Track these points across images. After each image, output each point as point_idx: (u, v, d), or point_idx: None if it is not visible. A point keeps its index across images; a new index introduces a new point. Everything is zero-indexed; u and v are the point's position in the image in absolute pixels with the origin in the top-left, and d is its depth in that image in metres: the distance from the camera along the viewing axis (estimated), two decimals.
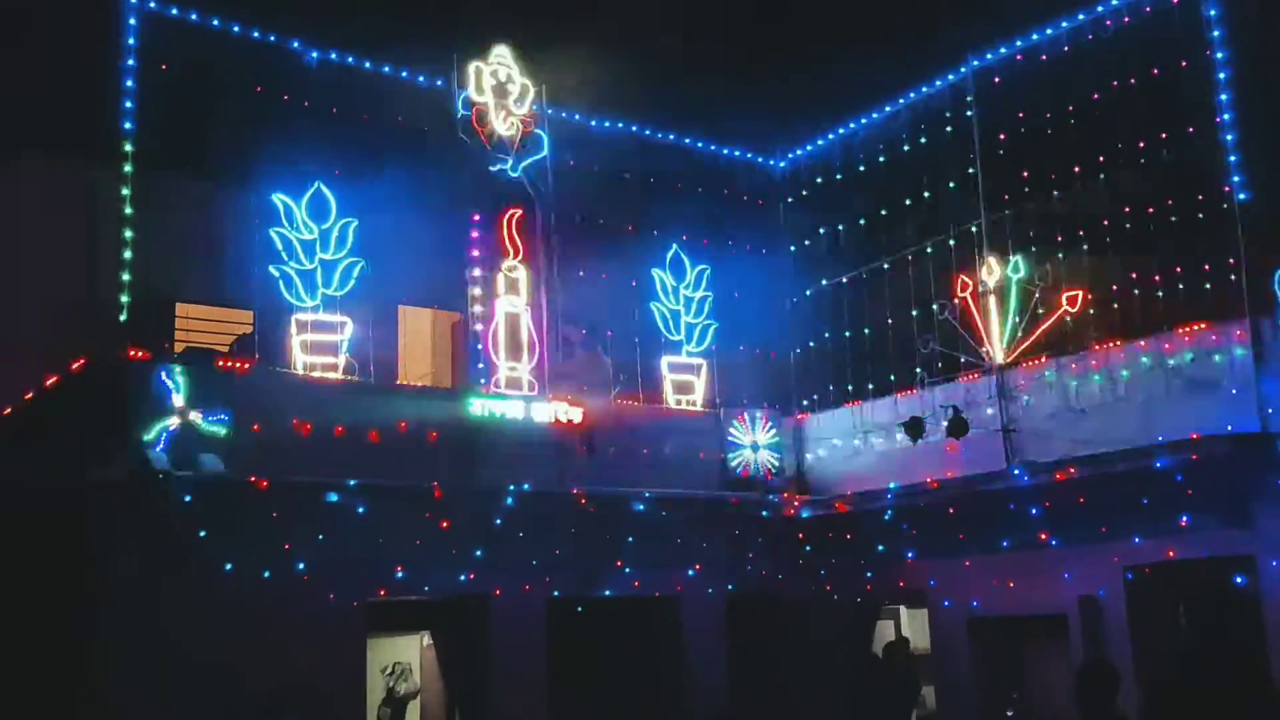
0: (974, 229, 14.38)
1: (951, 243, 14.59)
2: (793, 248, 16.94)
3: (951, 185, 14.69)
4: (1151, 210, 12.67)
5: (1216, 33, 12.20)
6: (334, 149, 13.11)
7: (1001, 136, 14.20)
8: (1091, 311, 13.24)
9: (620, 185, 15.49)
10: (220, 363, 12.02)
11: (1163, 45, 12.56)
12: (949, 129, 14.79)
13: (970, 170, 14.45)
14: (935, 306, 14.40)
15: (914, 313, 14.92)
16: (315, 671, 11.51)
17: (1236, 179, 11.90)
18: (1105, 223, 13.13)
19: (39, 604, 11.33)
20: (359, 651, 12.33)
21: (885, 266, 15.46)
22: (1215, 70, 12.20)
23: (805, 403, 16.41)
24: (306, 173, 12.75)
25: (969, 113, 14.56)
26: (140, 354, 11.42)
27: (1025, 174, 13.94)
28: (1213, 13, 12.24)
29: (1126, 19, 13.07)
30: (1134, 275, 12.79)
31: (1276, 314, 11.42)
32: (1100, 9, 13.29)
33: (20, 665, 11.26)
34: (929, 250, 14.92)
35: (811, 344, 16.44)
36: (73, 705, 10.83)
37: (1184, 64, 12.37)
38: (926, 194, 15.00)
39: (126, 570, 10.92)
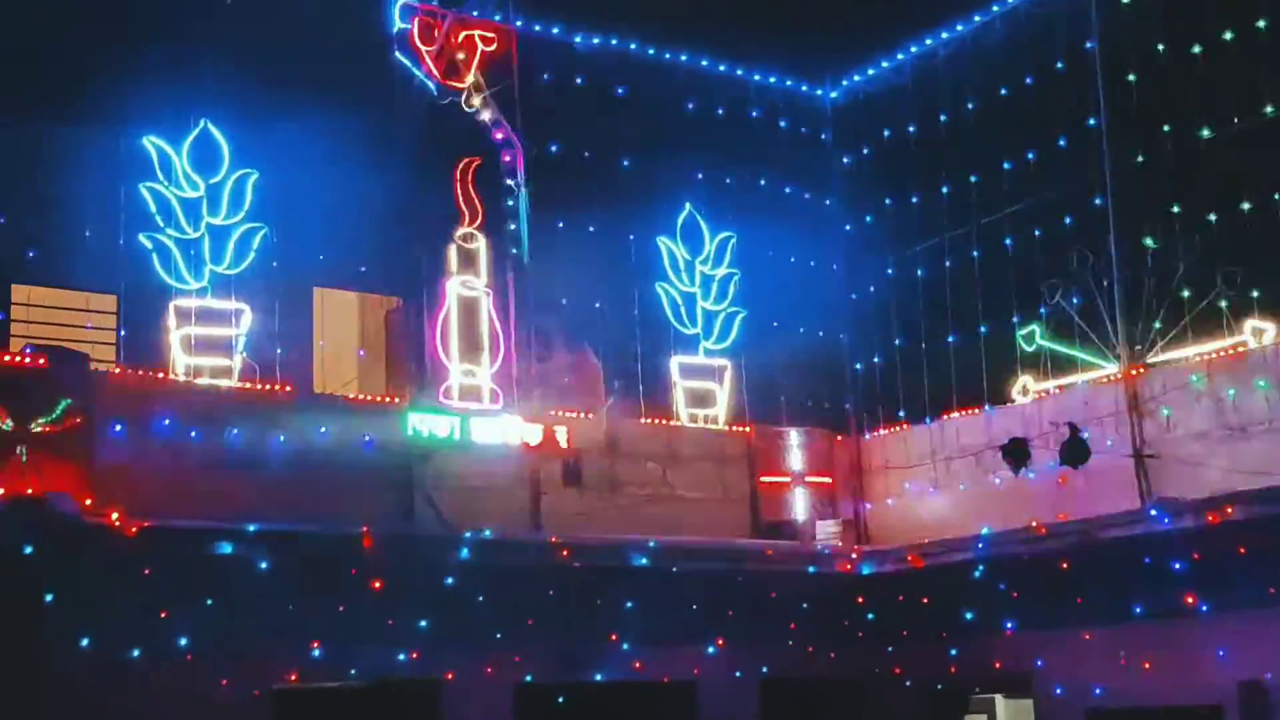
0: (1096, 186, 14.43)
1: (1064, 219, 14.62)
2: (851, 205, 16.98)
3: (1064, 128, 14.74)
4: None
5: None
6: (227, 78, 13.07)
7: (1133, 66, 14.24)
8: (1255, 294, 13.27)
9: (616, 125, 15.49)
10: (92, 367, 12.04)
11: None
12: (1062, 50, 14.84)
13: (1091, 94, 14.50)
14: (1044, 289, 14.42)
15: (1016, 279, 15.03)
16: None
17: None
18: (1274, 179, 13.13)
19: None
20: None
21: (970, 227, 15.56)
22: None
23: (866, 418, 16.49)
24: (189, 109, 12.83)
25: (1091, 26, 14.59)
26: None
27: (1165, 114, 13.98)
28: None
29: None
30: None
31: None
32: None
33: None
34: (1035, 213, 15.01)
35: (875, 338, 16.54)
36: None
37: None
38: (1032, 127, 15.07)
39: None
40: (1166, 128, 14.05)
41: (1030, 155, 15.10)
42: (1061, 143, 14.79)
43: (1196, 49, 13.72)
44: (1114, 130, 14.40)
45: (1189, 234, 13.74)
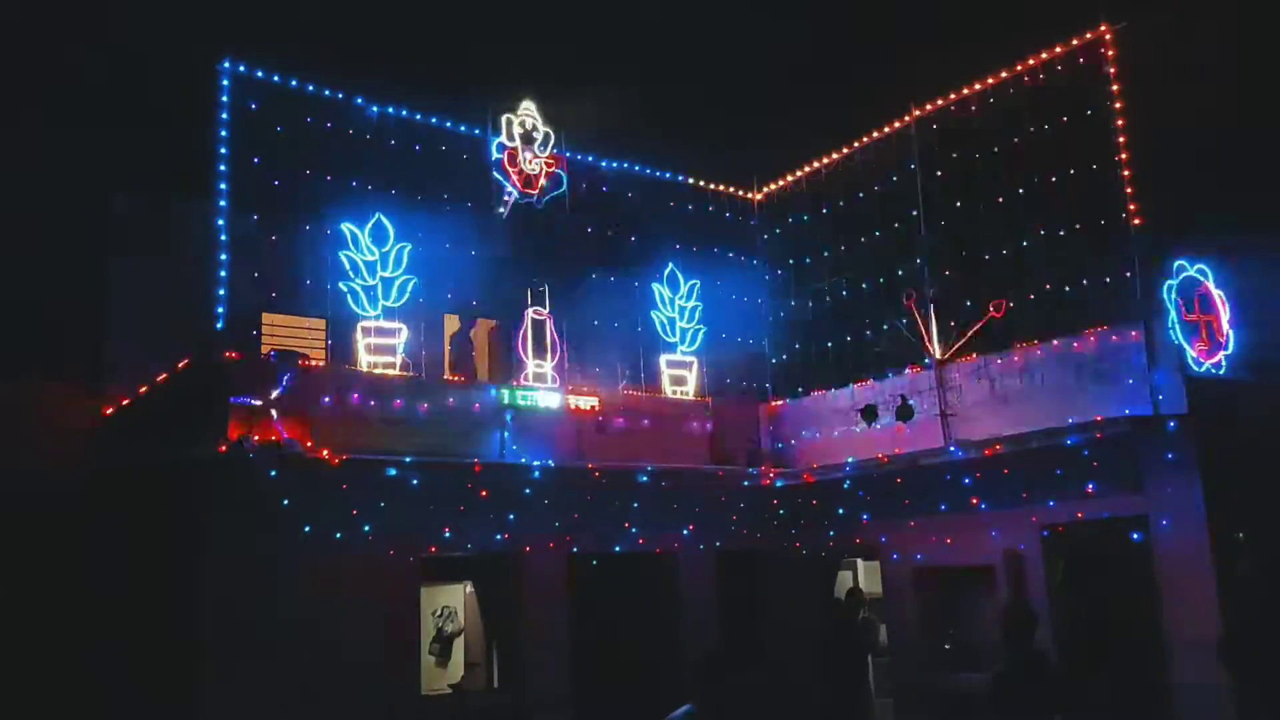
0: (917, 248, 14.39)
1: (897, 276, 14.64)
2: (768, 264, 16.94)
3: (899, 214, 14.69)
4: (1063, 232, 12.73)
5: (1115, 86, 12.26)
6: (393, 186, 13.12)
7: (939, 173, 14.24)
8: (1012, 316, 13.29)
9: (625, 213, 15.48)
10: (303, 363, 12.09)
11: (1069, 96, 12.60)
12: (896, 167, 14.79)
13: (916, 199, 14.45)
14: (884, 329, 14.45)
15: (867, 309, 14.99)
16: (380, 613, 11.64)
17: (1131, 206, 11.93)
18: (1024, 244, 13.14)
19: (153, 559, 11.47)
20: (414, 597, 12.43)
21: (845, 279, 15.46)
22: (1113, 116, 12.22)
23: (780, 391, 16.44)
24: (370, 206, 12.81)
25: (913, 155, 14.58)
26: (236, 355, 11.54)
27: (958, 202, 13.95)
28: (1111, 70, 12.30)
29: (1042, 76, 13.15)
30: (1047, 286, 12.84)
31: (1165, 318, 11.50)
32: (1019, 67, 13.40)
33: (135, 610, 11.39)
34: (880, 267, 14.94)
35: (786, 343, 16.45)
36: (182, 647, 10.96)
37: (1088, 111, 12.41)
38: (879, 216, 14.95)
39: (225, 530, 11.05)
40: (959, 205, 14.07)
41: (878, 233, 14.99)
42: (900, 216, 14.69)
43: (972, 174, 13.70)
44: (928, 210, 14.33)
45: (973, 279, 13.73)
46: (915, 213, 14.42)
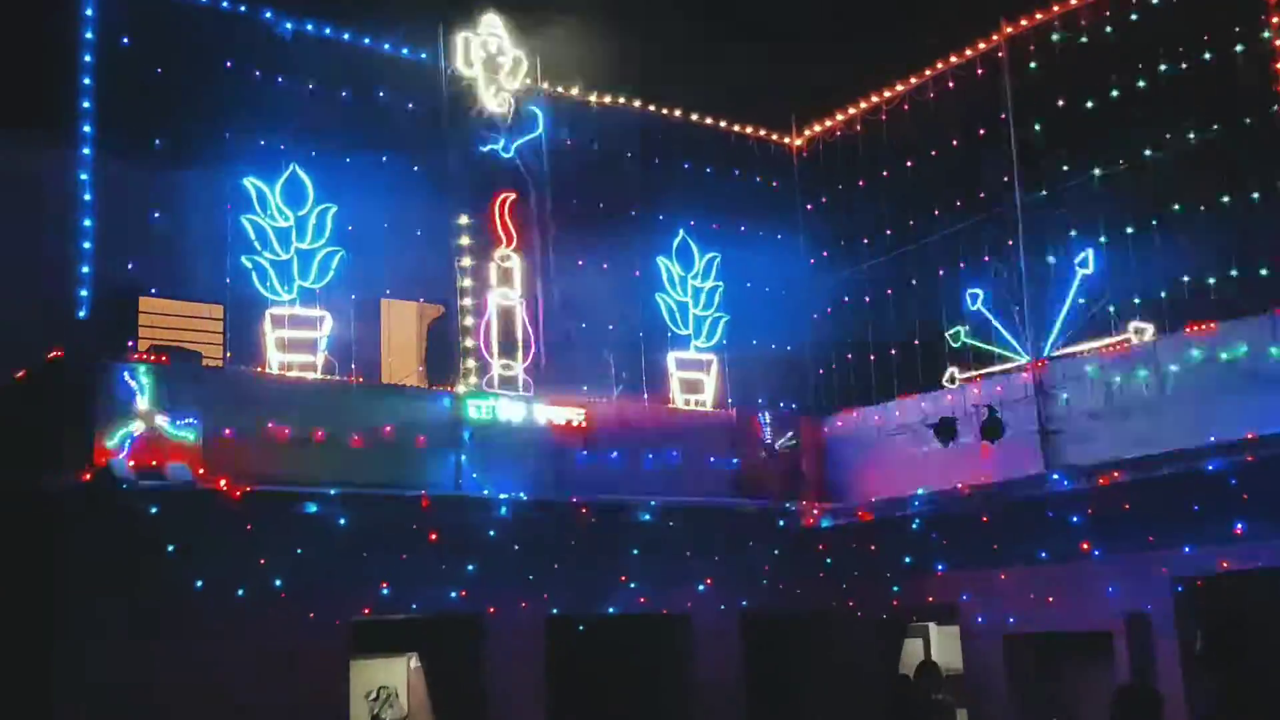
0: (1008, 210, 14.31)
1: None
2: (812, 234, 16.87)
3: (984, 164, 14.63)
4: (1203, 193, 12.66)
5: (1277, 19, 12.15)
6: (310, 129, 13.04)
7: (1039, 112, 14.15)
8: (1137, 300, 13.20)
9: (622, 167, 15.46)
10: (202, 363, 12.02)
11: (1217, 21, 12.52)
12: (981, 103, 14.69)
13: (1004, 148, 14.37)
14: (970, 293, 14.33)
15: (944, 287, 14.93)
16: (293, 697, 11.52)
17: None
18: (1152, 208, 13.08)
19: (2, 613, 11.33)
20: (341, 675, 12.30)
21: (910, 246, 15.43)
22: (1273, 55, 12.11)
23: (826, 403, 16.38)
24: (280, 155, 12.69)
25: (1004, 85, 14.47)
26: (114, 354, 11.38)
27: (1064, 152, 13.88)
28: None
29: None
30: (1187, 262, 12.73)
31: None
32: None
33: None
34: (960, 233, 14.88)
35: (832, 338, 16.41)
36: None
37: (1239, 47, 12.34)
38: (957, 173, 14.92)
39: (84, 587, 10.86)
40: (1065, 167, 13.97)
41: (958, 178, 14.92)
42: (983, 170, 14.67)
43: (1089, 104, 13.66)
44: (1022, 162, 14.26)
45: (1082, 250, 13.67)
46: (1008, 164, 14.30)
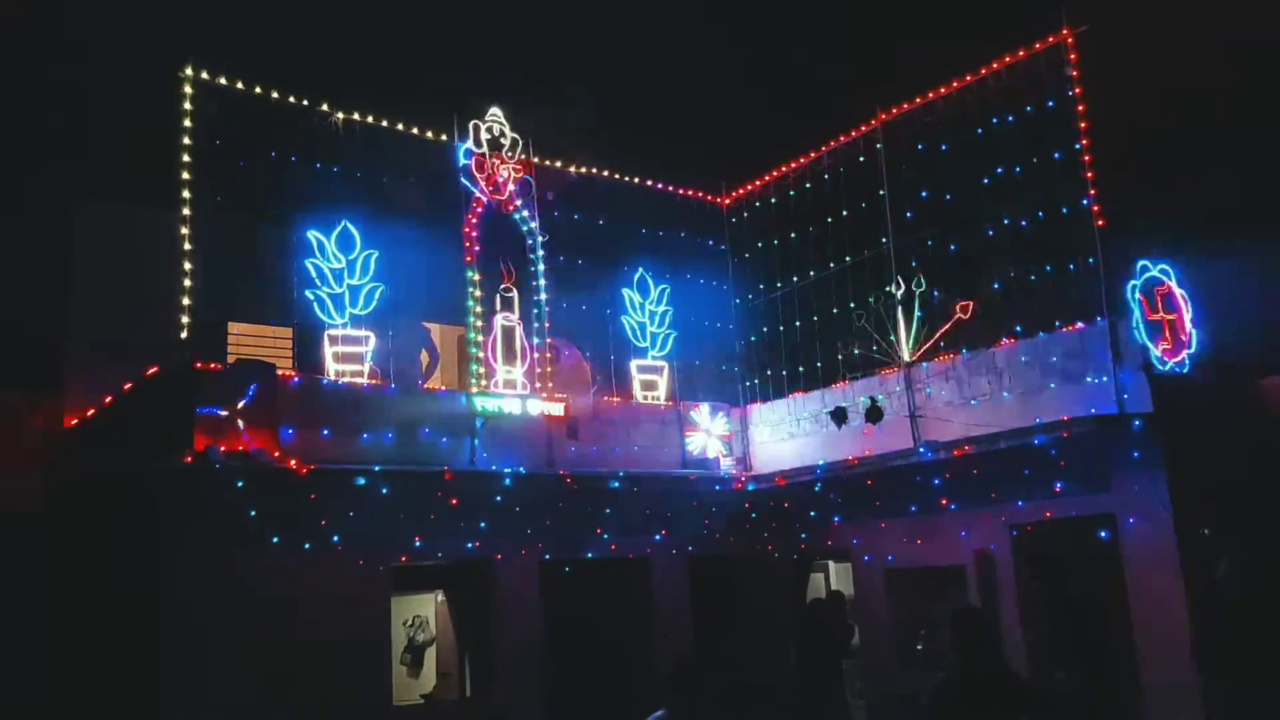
0: (883, 251, 14.29)
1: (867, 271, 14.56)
2: (736, 269, 16.87)
3: (864, 213, 14.60)
4: (1024, 223, 12.65)
5: (1076, 89, 12.24)
6: (357, 193, 12.98)
7: (904, 170, 14.09)
8: (980, 317, 13.28)
9: (595, 221, 15.40)
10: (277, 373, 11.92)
11: (1032, 91, 12.55)
12: (862, 171, 14.68)
13: (880, 203, 14.37)
14: (856, 312, 14.38)
15: (837, 311, 14.88)
16: (349, 624, 11.50)
17: (1097, 207, 11.93)
18: (989, 241, 13.07)
19: (116, 570, 11.25)
20: (384, 608, 12.29)
21: (811, 279, 15.35)
22: (1076, 111, 12.16)
23: (749, 396, 16.38)
24: (335, 213, 12.66)
25: (879, 151, 14.45)
26: (208, 365, 11.31)
27: (922, 203, 13.83)
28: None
29: (1003, 71, 13.02)
30: (1012, 274, 12.79)
31: (1129, 317, 11.54)
32: (981, 68, 13.33)
33: (97, 621, 11.16)
34: (848, 268, 14.83)
35: (753, 347, 16.37)
36: (146, 661, 10.76)
37: (1049, 105, 12.34)
38: (844, 222, 14.84)
39: (191, 541, 10.89)
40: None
41: (845, 227, 14.89)
42: (864, 220, 14.63)
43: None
44: (893, 213, 14.24)
45: (940, 280, 13.70)
46: (882, 216, 14.32)
